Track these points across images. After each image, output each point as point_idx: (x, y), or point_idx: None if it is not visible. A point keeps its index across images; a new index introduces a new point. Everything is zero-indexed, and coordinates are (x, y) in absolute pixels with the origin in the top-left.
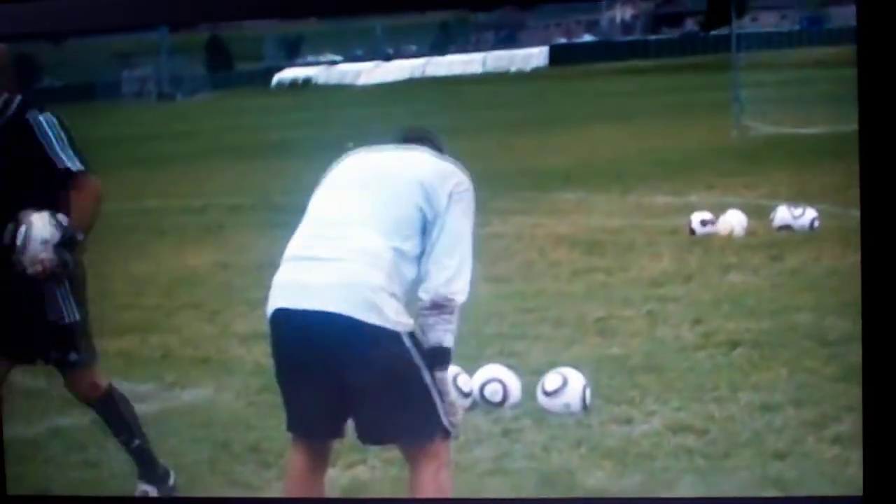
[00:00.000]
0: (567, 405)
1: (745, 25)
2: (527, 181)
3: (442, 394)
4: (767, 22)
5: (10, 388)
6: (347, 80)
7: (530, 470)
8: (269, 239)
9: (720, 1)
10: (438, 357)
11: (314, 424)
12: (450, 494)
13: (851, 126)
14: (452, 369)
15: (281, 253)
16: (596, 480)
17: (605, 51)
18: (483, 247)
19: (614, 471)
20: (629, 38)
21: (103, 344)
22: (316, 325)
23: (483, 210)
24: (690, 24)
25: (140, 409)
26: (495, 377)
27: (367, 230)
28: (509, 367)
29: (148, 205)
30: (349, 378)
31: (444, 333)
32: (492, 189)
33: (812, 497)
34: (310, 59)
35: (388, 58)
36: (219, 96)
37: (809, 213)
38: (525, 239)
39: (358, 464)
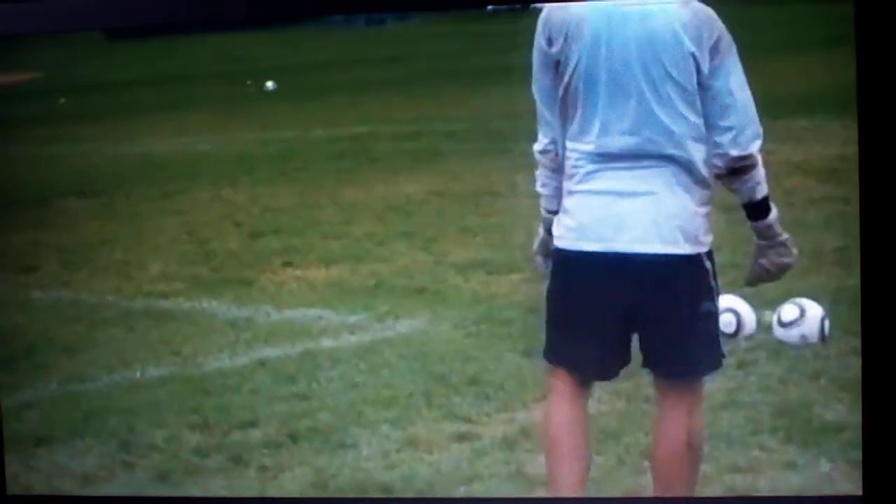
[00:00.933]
0: (804, 336)
1: None
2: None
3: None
4: None
5: (214, 316)
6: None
7: (766, 403)
8: (486, 166)
9: None
10: (752, 210)
11: (594, 361)
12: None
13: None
14: None
15: (499, 180)
16: (834, 413)
17: None
18: None
19: (854, 403)
20: None
21: (311, 274)
22: (624, 265)
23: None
24: None
25: (351, 340)
26: (729, 307)
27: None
28: (743, 297)
29: (357, 131)
30: (647, 310)
31: (750, 191)
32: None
33: (812, 497)
34: None
35: None
36: (433, 21)
37: None
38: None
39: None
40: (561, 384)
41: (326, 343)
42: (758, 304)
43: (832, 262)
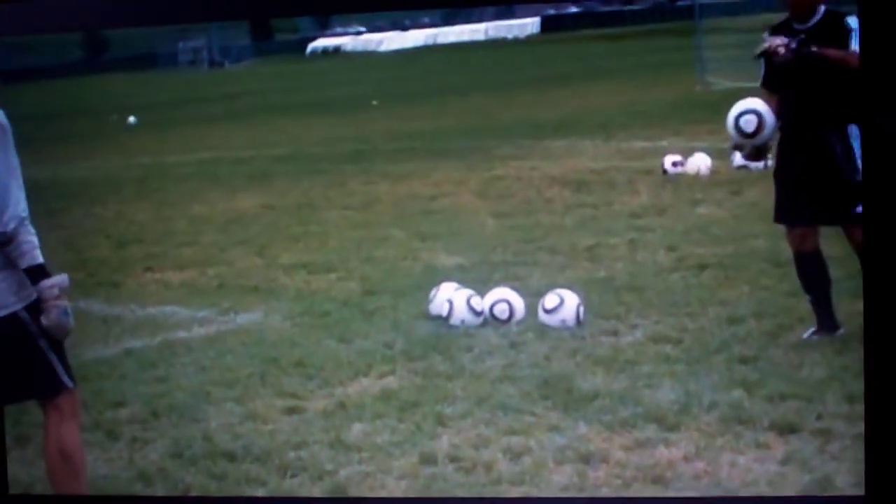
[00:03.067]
0: (563, 321)
1: None
2: (524, 131)
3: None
4: None
5: (89, 314)
6: (371, 48)
7: (534, 377)
8: (306, 184)
9: None
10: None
11: None
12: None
13: None
14: (465, 292)
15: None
16: (590, 384)
17: (589, 19)
18: (489, 187)
19: (605, 375)
20: (609, 8)
21: (167, 277)
22: None
23: (489, 156)
24: None
25: (199, 332)
26: (503, 298)
27: None
28: (514, 289)
29: (203, 157)
30: None
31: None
32: (495, 138)
33: (813, 497)
34: (338, 30)
35: (405, 28)
36: (261, 63)
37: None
38: (524, 180)
39: (387, 375)
40: None
41: (180, 334)
42: (526, 294)
43: (585, 259)
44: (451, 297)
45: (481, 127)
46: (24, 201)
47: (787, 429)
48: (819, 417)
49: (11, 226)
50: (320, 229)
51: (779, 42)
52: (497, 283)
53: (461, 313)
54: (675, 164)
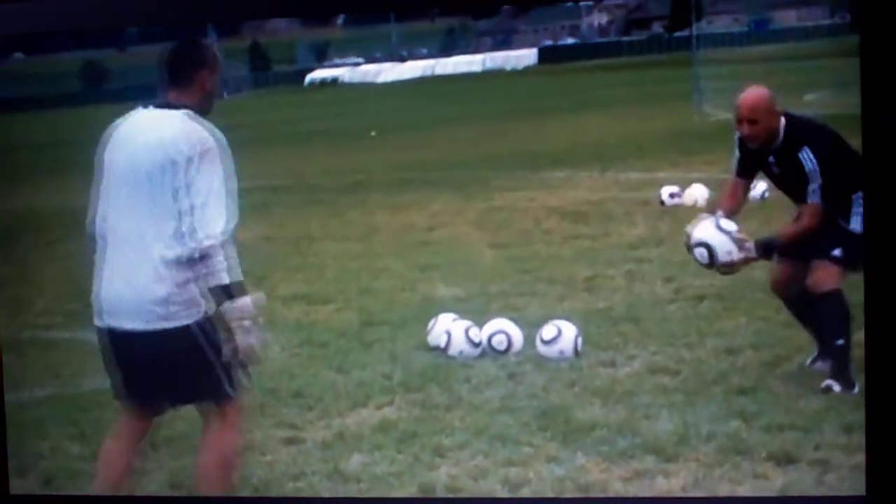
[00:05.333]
0: (561, 352)
1: (703, 27)
2: (522, 162)
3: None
4: (721, 24)
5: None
6: (369, 79)
7: (532, 407)
8: (305, 215)
9: (682, 7)
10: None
11: None
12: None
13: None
14: (464, 323)
15: (316, 226)
16: (588, 415)
17: (586, 51)
18: (487, 218)
19: (603, 406)
20: (605, 39)
21: None
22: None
23: (486, 187)
24: (657, 27)
25: None
26: (501, 329)
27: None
28: (512, 320)
29: None
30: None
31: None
32: (492, 169)
33: (813, 497)
34: (336, 61)
35: (402, 59)
36: (259, 94)
37: (760, 186)
38: (521, 211)
39: (385, 405)
40: None
41: None
42: (523, 325)
43: (582, 290)
44: (449, 328)
45: (479, 158)
46: (223, 223)
47: (784, 459)
48: (817, 448)
49: (206, 243)
50: (319, 260)
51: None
52: (495, 314)
53: (459, 344)
54: (672, 195)
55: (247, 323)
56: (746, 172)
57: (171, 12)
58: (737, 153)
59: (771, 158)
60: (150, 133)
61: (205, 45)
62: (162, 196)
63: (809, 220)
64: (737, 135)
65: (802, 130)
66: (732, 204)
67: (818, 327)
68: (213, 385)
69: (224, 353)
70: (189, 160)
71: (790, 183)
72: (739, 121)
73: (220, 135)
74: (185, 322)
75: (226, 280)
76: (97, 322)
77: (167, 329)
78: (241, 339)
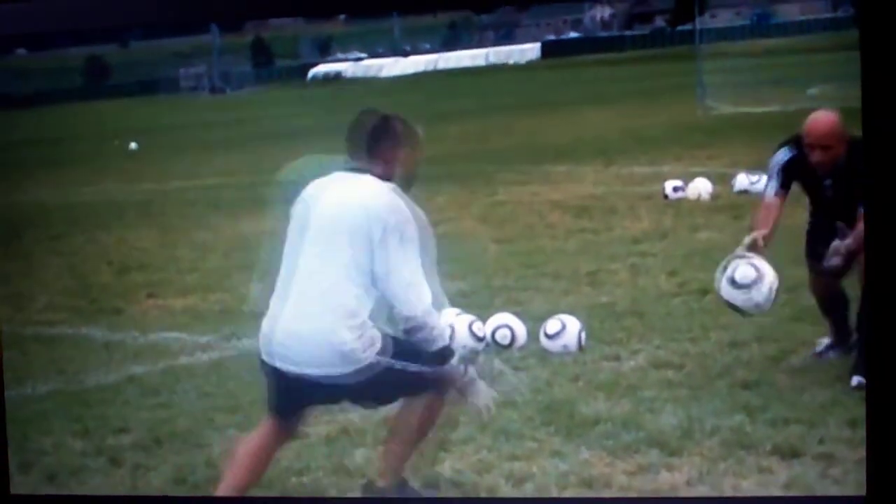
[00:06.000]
0: (565, 346)
1: (706, 22)
2: (525, 156)
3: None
4: (724, 18)
5: (91, 340)
6: (371, 74)
7: (536, 402)
8: None
9: (685, 1)
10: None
11: None
12: None
13: (797, 105)
14: (468, 317)
15: None
16: (592, 409)
17: (589, 45)
18: (490, 212)
19: (607, 400)
20: (608, 34)
21: (170, 303)
22: None
23: (490, 181)
24: (660, 21)
25: (202, 357)
26: (504, 323)
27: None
28: (516, 314)
29: (205, 182)
30: None
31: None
32: (496, 163)
33: (813, 497)
34: (339, 55)
35: (405, 54)
36: (262, 89)
37: (764, 179)
38: (525, 205)
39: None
40: None
41: (183, 360)
42: (527, 320)
43: (586, 284)
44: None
45: (482, 152)
46: (427, 299)
47: (789, 453)
48: (821, 442)
49: (417, 322)
50: None
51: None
52: (499, 309)
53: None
54: (675, 189)
55: (471, 377)
56: (784, 192)
57: (171, 11)
58: (779, 177)
59: (828, 182)
60: (356, 195)
61: (407, 125)
62: (358, 255)
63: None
64: (783, 158)
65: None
66: (770, 227)
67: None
68: (415, 384)
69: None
70: (390, 231)
71: (843, 204)
72: (810, 147)
73: (421, 213)
74: (368, 361)
75: (442, 343)
76: (265, 358)
77: (347, 372)
78: (470, 396)
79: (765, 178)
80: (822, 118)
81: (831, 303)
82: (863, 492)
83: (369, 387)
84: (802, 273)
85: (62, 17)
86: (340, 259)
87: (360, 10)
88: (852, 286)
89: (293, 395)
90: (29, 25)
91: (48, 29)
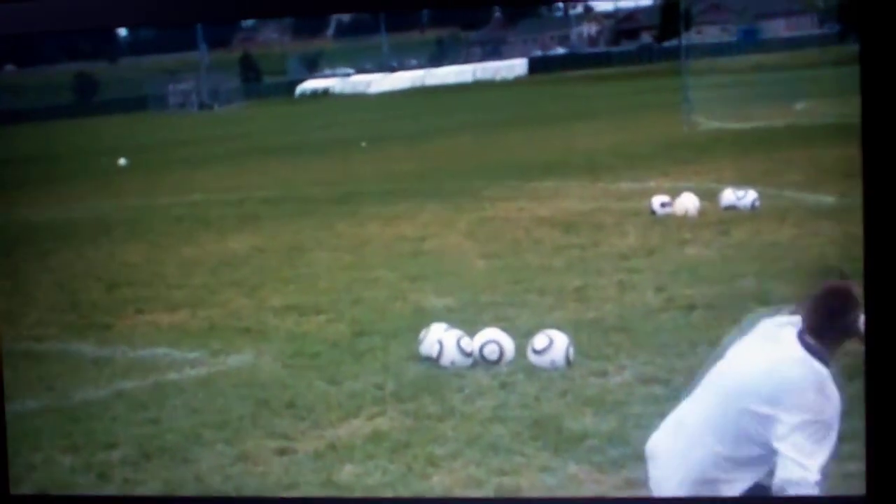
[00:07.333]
0: (553, 361)
1: (692, 38)
2: (513, 172)
3: None
4: (711, 34)
5: (80, 356)
6: (359, 90)
7: (524, 417)
8: (296, 226)
9: (671, 17)
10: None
11: None
12: None
13: (784, 120)
14: (455, 333)
15: (307, 237)
16: (579, 424)
17: (575, 61)
18: (478, 229)
19: (594, 416)
20: (595, 50)
21: (158, 319)
22: None
23: (477, 197)
24: (646, 37)
25: (191, 373)
26: (493, 339)
27: None
28: (504, 330)
29: (193, 199)
30: None
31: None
32: (483, 179)
33: (814, 497)
34: (327, 72)
35: (393, 70)
36: (250, 105)
37: (751, 195)
38: (512, 221)
39: (377, 416)
40: None
41: (171, 376)
42: (515, 335)
43: (574, 300)
44: (440, 339)
45: (469, 168)
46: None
47: None
48: None
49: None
50: (310, 271)
51: None
52: (486, 324)
53: (451, 354)
54: (662, 204)
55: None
56: None
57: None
58: None
59: None
60: (767, 359)
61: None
62: (744, 413)
63: None
64: None
65: None
66: None
67: None
68: None
69: None
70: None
71: None
72: None
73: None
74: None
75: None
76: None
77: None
78: None
79: (751, 193)
80: None
81: None
82: (863, 492)
83: None
84: (785, 288)
85: (46, 18)
86: (720, 410)
87: (349, 9)
88: None
89: None
90: (14, 27)
91: (35, 29)
